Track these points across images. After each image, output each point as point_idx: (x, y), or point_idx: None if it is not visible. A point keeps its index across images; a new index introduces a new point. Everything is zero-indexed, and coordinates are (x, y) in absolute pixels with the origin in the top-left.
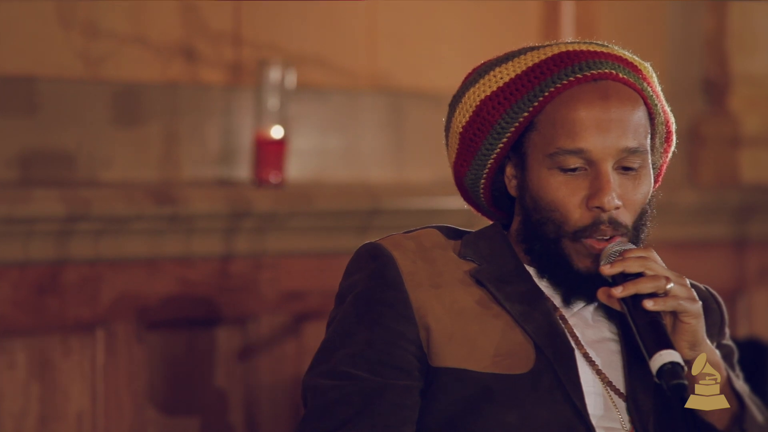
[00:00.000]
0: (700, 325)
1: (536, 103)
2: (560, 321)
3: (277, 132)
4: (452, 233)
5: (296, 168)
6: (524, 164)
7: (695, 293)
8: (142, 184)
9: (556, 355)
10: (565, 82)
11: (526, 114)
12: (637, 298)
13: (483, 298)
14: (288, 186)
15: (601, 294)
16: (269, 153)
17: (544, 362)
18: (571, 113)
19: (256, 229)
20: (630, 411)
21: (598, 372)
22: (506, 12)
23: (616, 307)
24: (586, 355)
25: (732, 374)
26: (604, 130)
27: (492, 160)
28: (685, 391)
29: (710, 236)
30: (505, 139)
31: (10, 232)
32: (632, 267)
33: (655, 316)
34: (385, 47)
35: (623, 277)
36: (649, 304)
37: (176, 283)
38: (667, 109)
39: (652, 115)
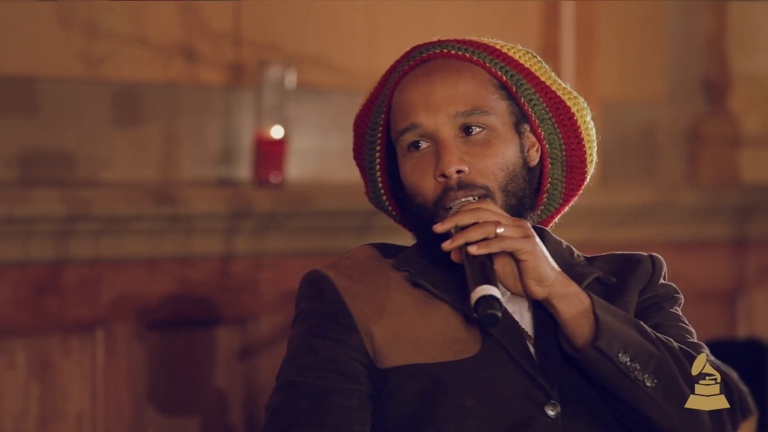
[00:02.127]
0: (541, 261)
1: (386, 103)
2: None
3: (277, 132)
4: (388, 250)
5: (296, 168)
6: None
7: (532, 232)
8: (142, 184)
9: (502, 330)
10: (400, 72)
11: (383, 114)
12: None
13: (421, 297)
14: (288, 186)
15: (452, 254)
16: (269, 153)
17: (490, 341)
18: (401, 96)
19: (256, 229)
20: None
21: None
22: (506, 12)
23: (459, 260)
24: (522, 330)
25: (596, 298)
26: (431, 101)
27: (378, 171)
28: (497, 322)
29: (710, 236)
30: (378, 145)
31: (10, 232)
32: (463, 220)
33: (482, 260)
34: (385, 47)
35: (459, 230)
36: (472, 249)
37: (176, 283)
38: (560, 86)
39: (505, 84)
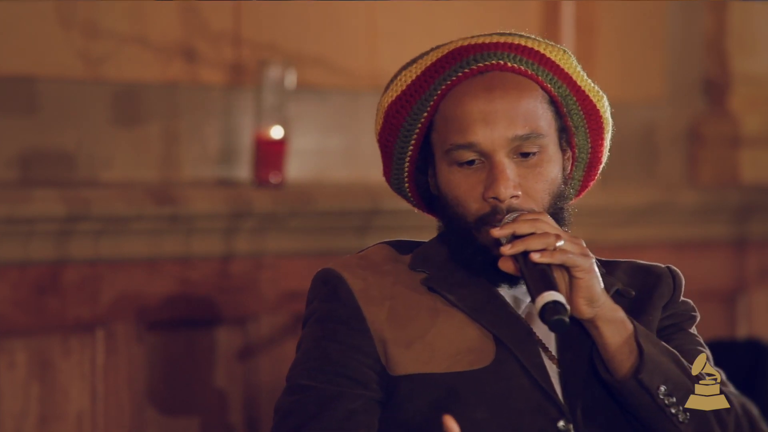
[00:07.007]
0: (594, 281)
1: (432, 103)
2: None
3: (277, 132)
4: (403, 247)
5: (296, 168)
6: (434, 163)
7: (589, 251)
8: (142, 184)
9: (516, 341)
10: (453, 78)
11: (425, 114)
12: (527, 255)
13: (436, 303)
14: (288, 186)
15: (500, 262)
16: (269, 153)
17: (504, 352)
18: (458, 108)
19: (256, 229)
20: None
21: (551, 357)
22: (506, 12)
23: (512, 271)
24: (539, 341)
25: (639, 326)
26: (491, 121)
27: (407, 163)
28: (564, 327)
29: (710, 236)
30: (413, 141)
31: (10, 232)
32: (522, 228)
33: (543, 268)
34: (385, 47)
35: (515, 239)
36: (536, 257)
37: (176, 283)
38: (592, 88)
39: (555, 99)
